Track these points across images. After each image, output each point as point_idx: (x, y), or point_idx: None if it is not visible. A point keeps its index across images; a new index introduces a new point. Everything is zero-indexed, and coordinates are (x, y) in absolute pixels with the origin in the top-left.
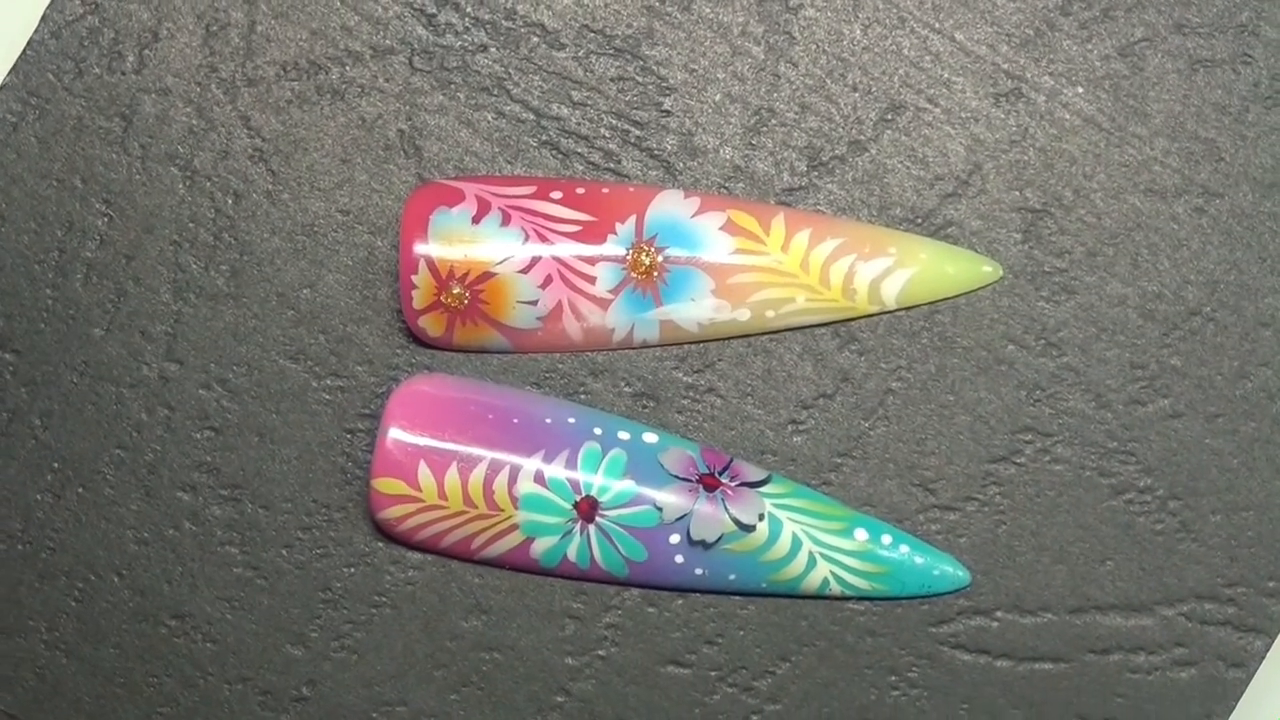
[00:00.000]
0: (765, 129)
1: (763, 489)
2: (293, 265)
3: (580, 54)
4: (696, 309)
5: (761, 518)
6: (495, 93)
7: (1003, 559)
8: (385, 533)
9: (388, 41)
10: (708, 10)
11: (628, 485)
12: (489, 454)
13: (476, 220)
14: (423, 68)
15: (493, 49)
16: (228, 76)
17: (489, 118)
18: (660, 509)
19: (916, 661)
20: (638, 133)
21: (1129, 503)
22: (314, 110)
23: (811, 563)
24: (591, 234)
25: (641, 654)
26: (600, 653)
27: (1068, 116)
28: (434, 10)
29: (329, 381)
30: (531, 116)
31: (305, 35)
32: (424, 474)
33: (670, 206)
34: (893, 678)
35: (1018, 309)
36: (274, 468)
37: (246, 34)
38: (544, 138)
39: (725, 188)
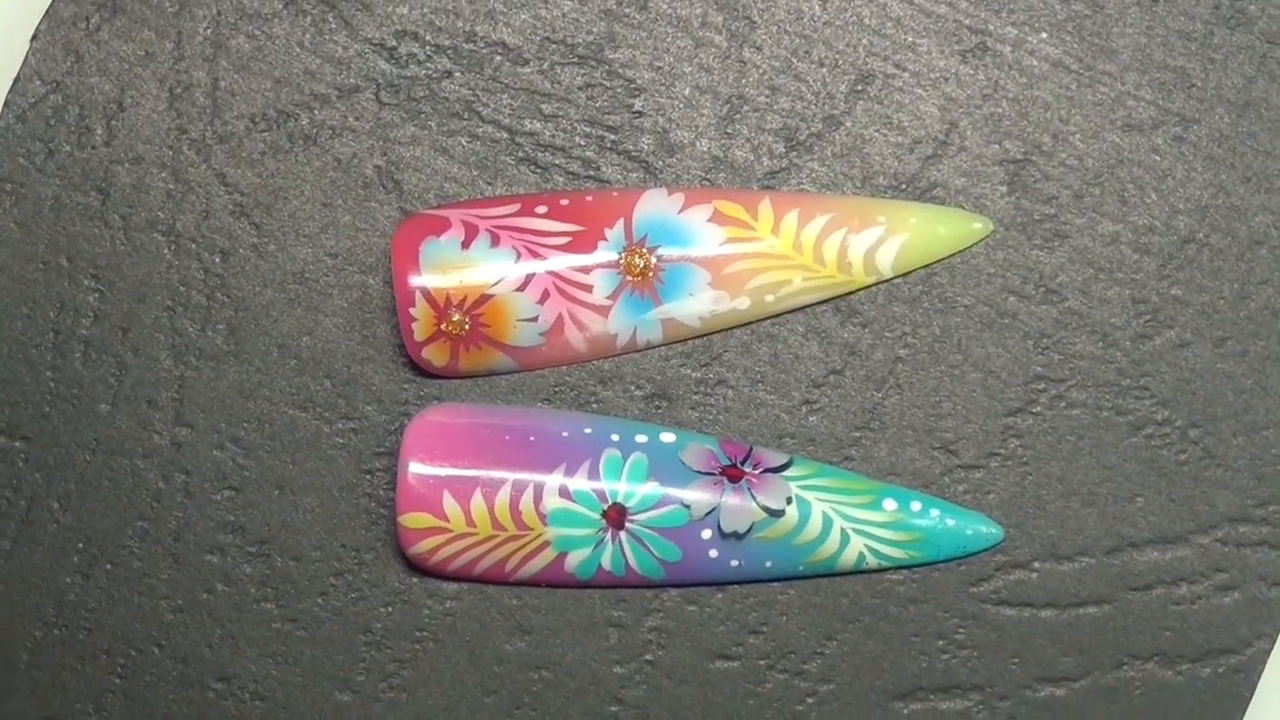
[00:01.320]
0: (739, 116)
1: (786, 473)
2: (289, 315)
3: (545, 67)
4: (696, 303)
5: (789, 501)
6: (466, 116)
7: (1033, 510)
8: (418, 567)
9: (352, 80)
10: (665, 7)
11: (653, 488)
12: (511, 475)
13: (466, 245)
14: (390, 101)
15: (457, 73)
16: (198, 136)
17: (463, 142)
18: (688, 507)
19: (962, 623)
20: (613, 137)
21: (1149, 437)
22: (288, 158)
23: (845, 539)
24: (582, 243)
25: (688, 653)
26: (647, 657)
27: (1036, 64)
28: (394, 43)
29: (341, 425)
30: (505, 135)
31: (269, 85)
32: (449, 504)
33: (656, 206)
34: (940, 642)
35: (1013, 260)
36: (298, 518)
37: (211, 92)
38: (520, 154)
39: (707, 180)
